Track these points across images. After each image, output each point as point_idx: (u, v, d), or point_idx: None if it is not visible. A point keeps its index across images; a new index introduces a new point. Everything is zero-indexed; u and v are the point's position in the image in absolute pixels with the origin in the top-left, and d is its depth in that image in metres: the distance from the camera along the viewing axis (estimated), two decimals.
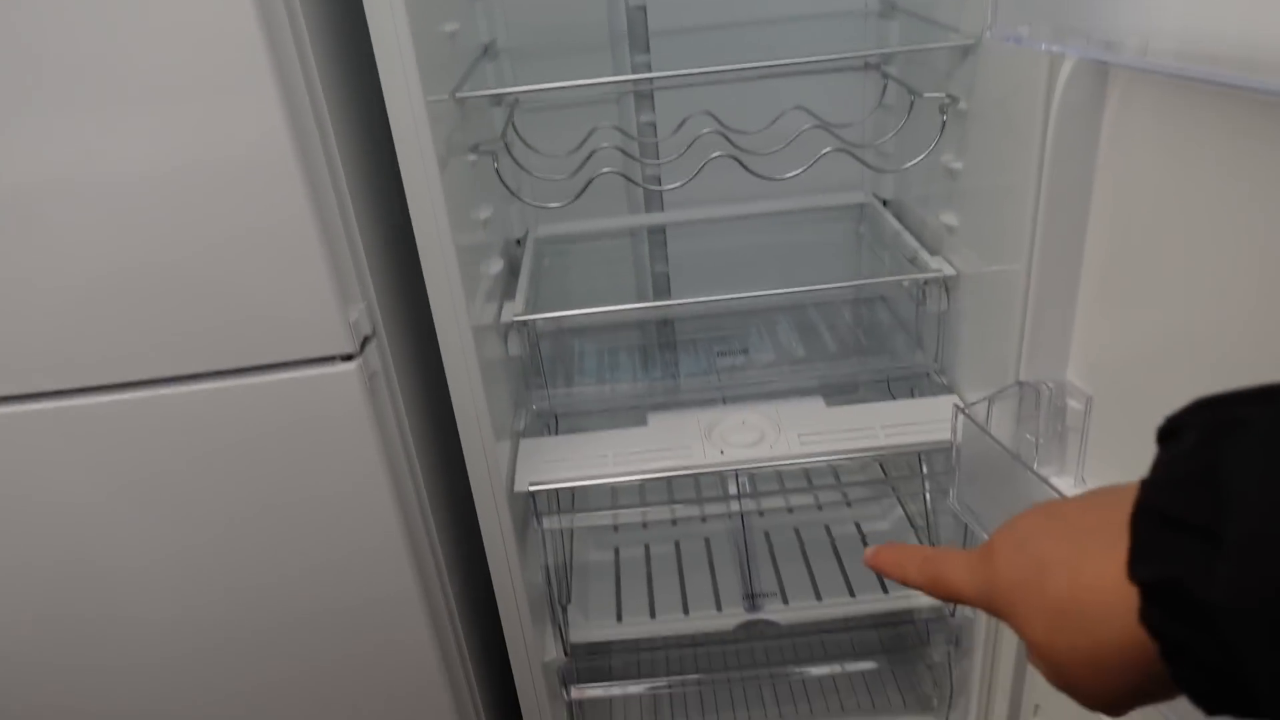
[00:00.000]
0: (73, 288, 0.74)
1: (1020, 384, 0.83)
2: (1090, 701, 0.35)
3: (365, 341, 0.81)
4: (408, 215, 0.79)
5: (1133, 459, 0.77)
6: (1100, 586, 0.31)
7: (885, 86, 1.10)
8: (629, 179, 1.02)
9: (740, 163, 0.93)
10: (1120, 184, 0.72)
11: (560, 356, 1.18)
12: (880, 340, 1.18)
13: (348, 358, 0.79)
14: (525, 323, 1.00)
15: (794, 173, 0.94)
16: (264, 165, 0.71)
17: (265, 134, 0.69)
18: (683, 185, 0.95)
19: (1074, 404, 0.81)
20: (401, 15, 0.72)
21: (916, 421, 0.96)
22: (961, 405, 0.82)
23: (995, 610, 0.37)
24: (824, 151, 0.93)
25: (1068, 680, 0.34)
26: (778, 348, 1.20)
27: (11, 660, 0.92)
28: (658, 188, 1.05)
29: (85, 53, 0.66)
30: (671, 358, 1.25)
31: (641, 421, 1.02)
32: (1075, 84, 0.69)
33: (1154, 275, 0.70)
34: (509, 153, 0.99)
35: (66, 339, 0.76)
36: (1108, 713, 0.35)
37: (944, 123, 0.93)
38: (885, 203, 1.21)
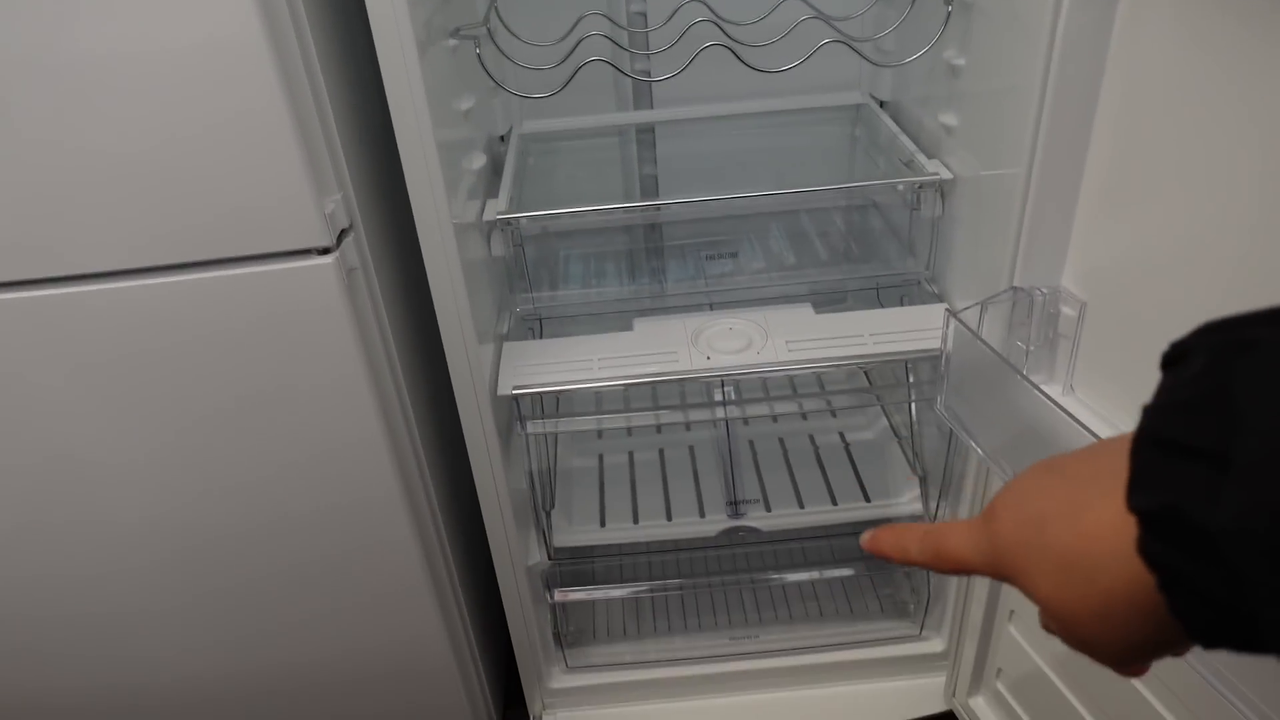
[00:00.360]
0: (37, 176, 0.70)
1: (1014, 289, 0.81)
2: (1108, 658, 0.33)
3: (342, 235, 0.78)
4: (386, 104, 0.75)
5: (1124, 367, 0.77)
6: (1100, 533, 0.30)
7: None
8: (618, 69, 0.97)
9: (734, 54, 0.89)
10: (1130, 83, 0.69)
11: (545, 259, 1.16)
12: (871, 247, 1.16)
13: (324, 251, 0.76)
14: (509, 222, 0.97)
15: (789, 66, 0.90)
16: (233, 48, 0.66)
17: (234, 14, 0.65)
18: (674, 77, 0.91)
19: (1067, 311, 0.80)
20: None
21: (906, 329, 0.95)
22: (953, 310, 0.80)
23: (1002, 574, 0.36)
24: (821, 43, 0.89)
25: (1081, 636, 0.33)
26: (767, 254, 1.17)
27: None
28: (647, 79, 1.00)
29: None
30: (659, 263, 1.22)
31: (627, 327, 1.01)
32: None
33: (1158, 181, 0.68)
34: (492, 39, 0.95)
35: (31, 227, 0.72)
36: (1126, 668, 0.34)
37: (948, 14, 0.89)
38: (882, 104, 1.17)
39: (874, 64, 0.97)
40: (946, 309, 0.80)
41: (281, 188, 0.72)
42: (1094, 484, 0.31)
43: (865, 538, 0.43)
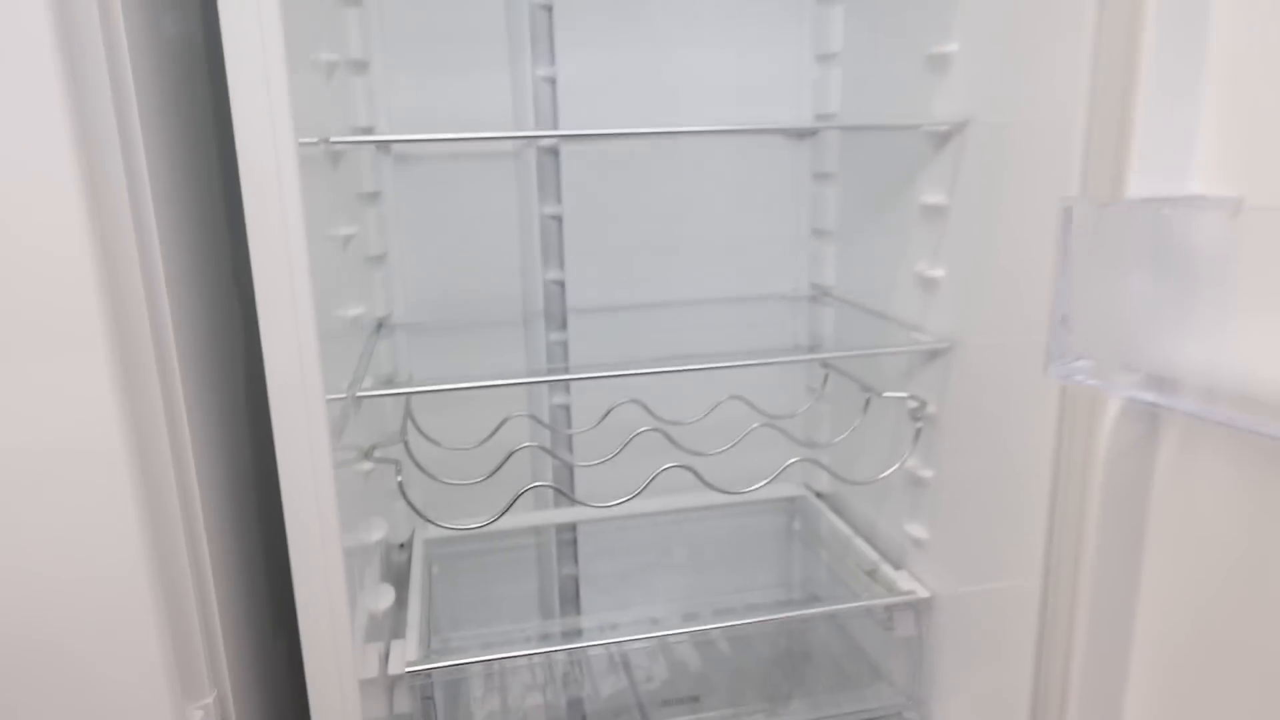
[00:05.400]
0: None
1: None
2: None
3: None
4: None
5: None
6: None
7: (826, 377, 1.01)
8: (547, 450, 0.85)
9: (695, 473, 0.79)
10: (1181, 522, 0.62)
11: (454, 700, 0.95)
12: (835, 672, 1.01)
13: None
14: (419, 673, 0.78)
15: (753, 487, 0.80)
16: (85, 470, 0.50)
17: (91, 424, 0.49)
18: (602, 463, 0.80)
19: None
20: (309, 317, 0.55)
21: None
22: None
23: None
24: (790, 461, 0.81)
25: None
26: (707, 687, 1.00)
27: None
28: (593, 506, 0.88)
29: None
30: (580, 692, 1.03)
31: None
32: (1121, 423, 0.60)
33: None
34: (409, 454, 0.81)
35: None
36: None
37: (918, 430, 0.83)
38: (820, 495, 1.09)
39: (836, 477, 0.89)
40: None
41: (135, 702, 0.52)
42: None
43: None
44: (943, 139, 0.77)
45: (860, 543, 0.96)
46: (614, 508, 0.79)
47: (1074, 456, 0.64)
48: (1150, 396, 0.54)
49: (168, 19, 0.60)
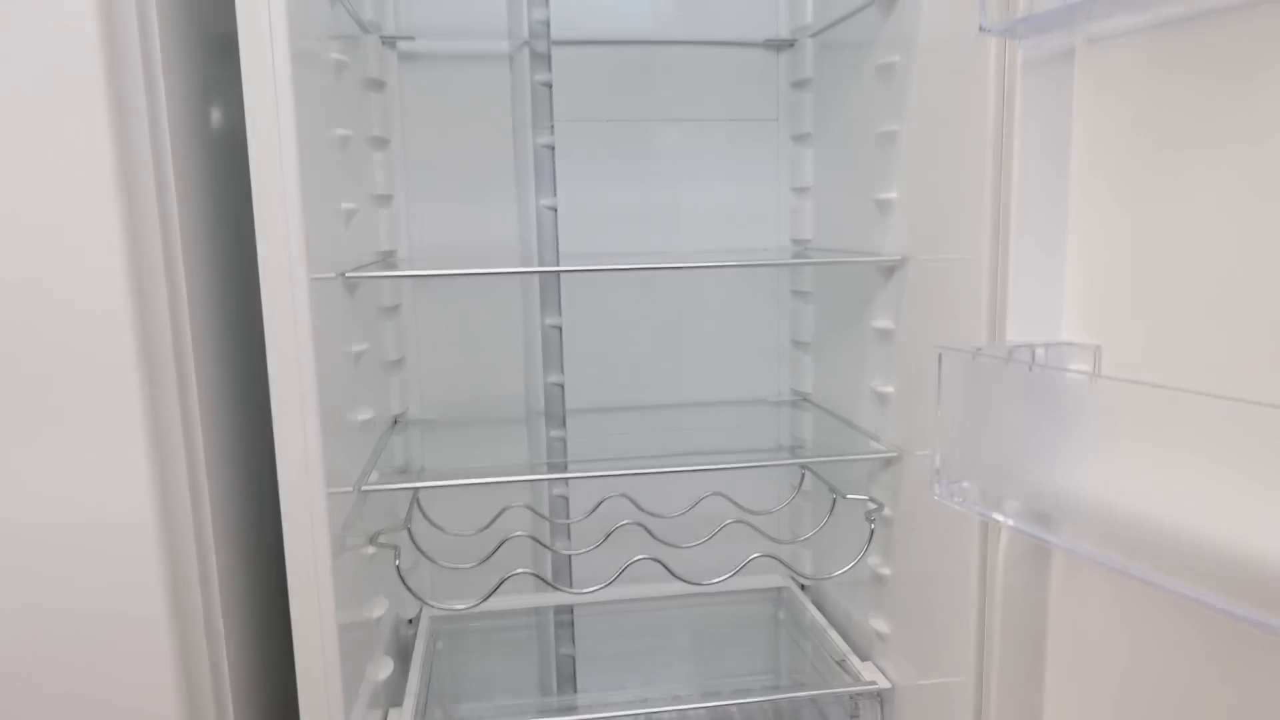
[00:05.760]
0: None
1: None
2: None
3: None
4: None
5: None
6: None
7: (803, 476, 1.09)
8: (539, 542, 0.94)
9: (662, 564, 0.87)
10: (1074, 632, 0.68)
11: None
12: None
13: None
14: None
15: (719, 579, 0.88)
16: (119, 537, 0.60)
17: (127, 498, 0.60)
18: (592, 551, 0.88)
19: None
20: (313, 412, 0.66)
21: None
22: None
23: None
24: (751, 557, 0.89)
25: None
26: None
27: None
28: (569, 591, 0.97)
29: None
30: None
31: None
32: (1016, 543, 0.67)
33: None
34: (412, 540, 0.91)
35: None
36: None
37: (872, 531, 0.90)
38: (803, 586, 1.16)
39: (801, 578, 0.97)
40: None
41: None
42: None
43: None
44: (889, 271, 0.86)
45: (834, 634, 1.02)
46: (600, 592, 0.87)
47: (996, 563, 0.71)
48: (1028, 527, 0.61)
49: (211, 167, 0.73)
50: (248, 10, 0.62)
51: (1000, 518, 0.60)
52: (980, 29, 0.62)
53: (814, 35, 1.03)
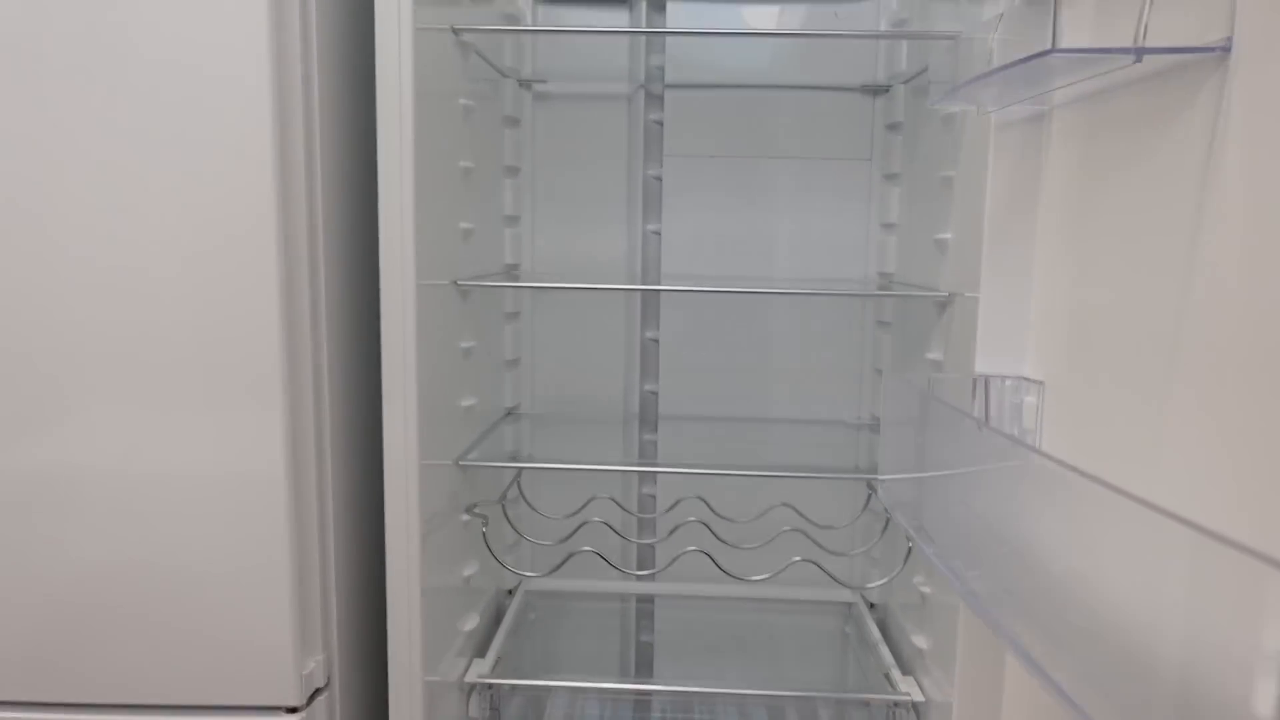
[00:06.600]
0: (60, 609, 0.78)
1: None
2: None
3: (315, 694, 0.82)
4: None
5: None
6: None
7: (869, 496, 1.15)
8: (604, 558, 1.06)
9: (710, 557, 0.96)
10: None
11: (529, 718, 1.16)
12: None
13: (292, 710, 0.80)
14: (489, 686, 1.00)
15: (762, 576, 0.97)
16: (256, 487, 0.77)
17: (264, 457, 0.77)
18: (667, 567, 0.98)
19: None
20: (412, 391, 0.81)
21: None
22: None
23: None
24: (794, 559, 0.96)
25: None
26: None
27: None
28: (643, 572, 1.08)
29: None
30: None
31: None
32: None
33: None
34: (505, 515, 1.05)
35: (33, 653, 0.79)
36: None
37: (910, 549, 0.96)
38: (872, 605, 1.21)
39: (832, 579, 1.03)
40: None
41: (266, 646, 0.78)
42: None
43: None
44: (941, 306, 0.92)
45: (884, 649, 1.08)
46: (682, 588, 0.96)
47: None
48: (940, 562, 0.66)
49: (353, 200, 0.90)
50: (385, 65, 0.79)
51: (924, 547, 0.66)
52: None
53: (905, 82, 1.10)
